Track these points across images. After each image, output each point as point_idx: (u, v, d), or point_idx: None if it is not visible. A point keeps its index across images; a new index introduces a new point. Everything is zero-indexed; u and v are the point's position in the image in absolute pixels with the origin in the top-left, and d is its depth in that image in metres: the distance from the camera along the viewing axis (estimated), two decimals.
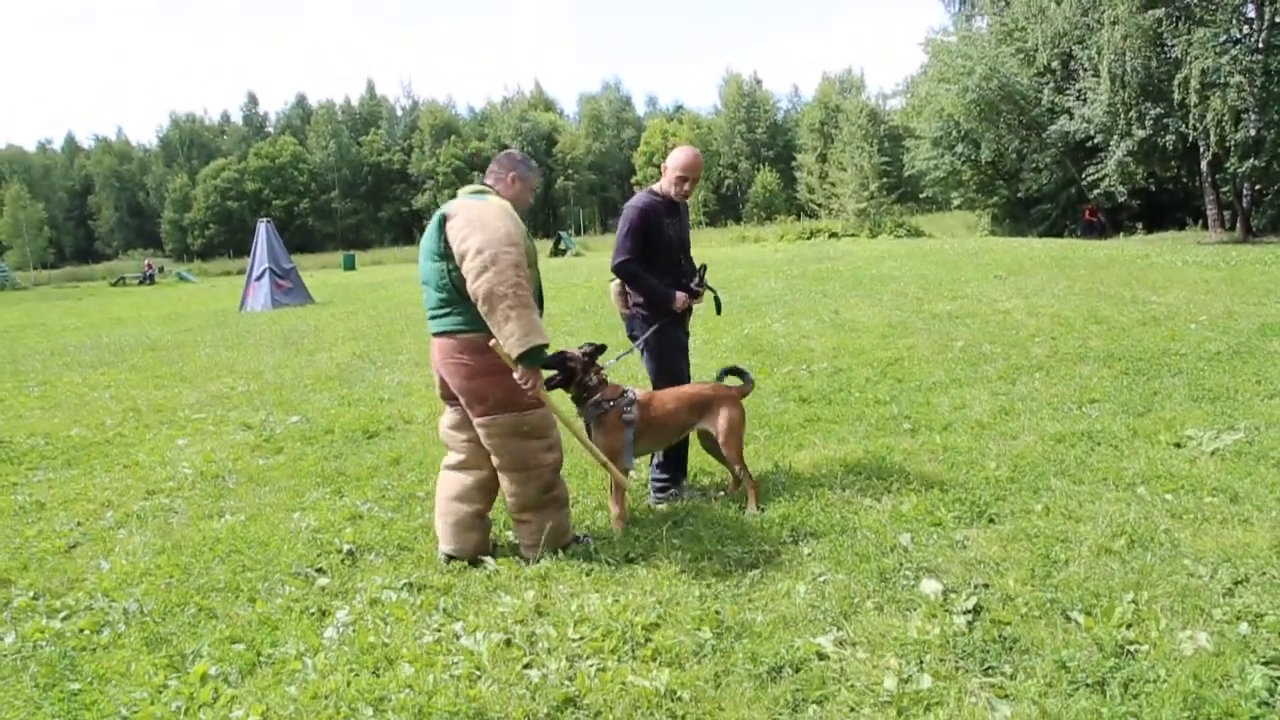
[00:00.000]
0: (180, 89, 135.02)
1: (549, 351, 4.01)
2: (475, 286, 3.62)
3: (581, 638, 3.25)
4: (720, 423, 4.54)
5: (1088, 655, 2.79)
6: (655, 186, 4.85)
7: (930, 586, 3.31)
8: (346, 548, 4.44)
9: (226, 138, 78.39)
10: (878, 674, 2.81)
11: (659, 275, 4.73)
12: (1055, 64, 28.94)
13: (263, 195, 70.13)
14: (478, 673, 3.08)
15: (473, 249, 3.63)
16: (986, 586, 3.33)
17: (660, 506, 4.75)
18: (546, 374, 4.23)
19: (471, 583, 3.90)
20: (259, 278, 21.94)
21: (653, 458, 4.89)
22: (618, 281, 4.83)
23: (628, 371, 7.33)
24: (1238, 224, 25.28)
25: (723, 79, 69.26)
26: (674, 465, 4.92)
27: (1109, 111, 24.24)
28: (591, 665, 3.05)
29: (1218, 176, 25.46)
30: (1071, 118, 27.11)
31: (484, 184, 4.13)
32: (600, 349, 4.53)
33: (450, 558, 4.14)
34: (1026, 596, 3.21)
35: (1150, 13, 22.46)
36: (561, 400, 4.42)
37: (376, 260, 54.89)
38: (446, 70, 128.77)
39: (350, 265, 47.49)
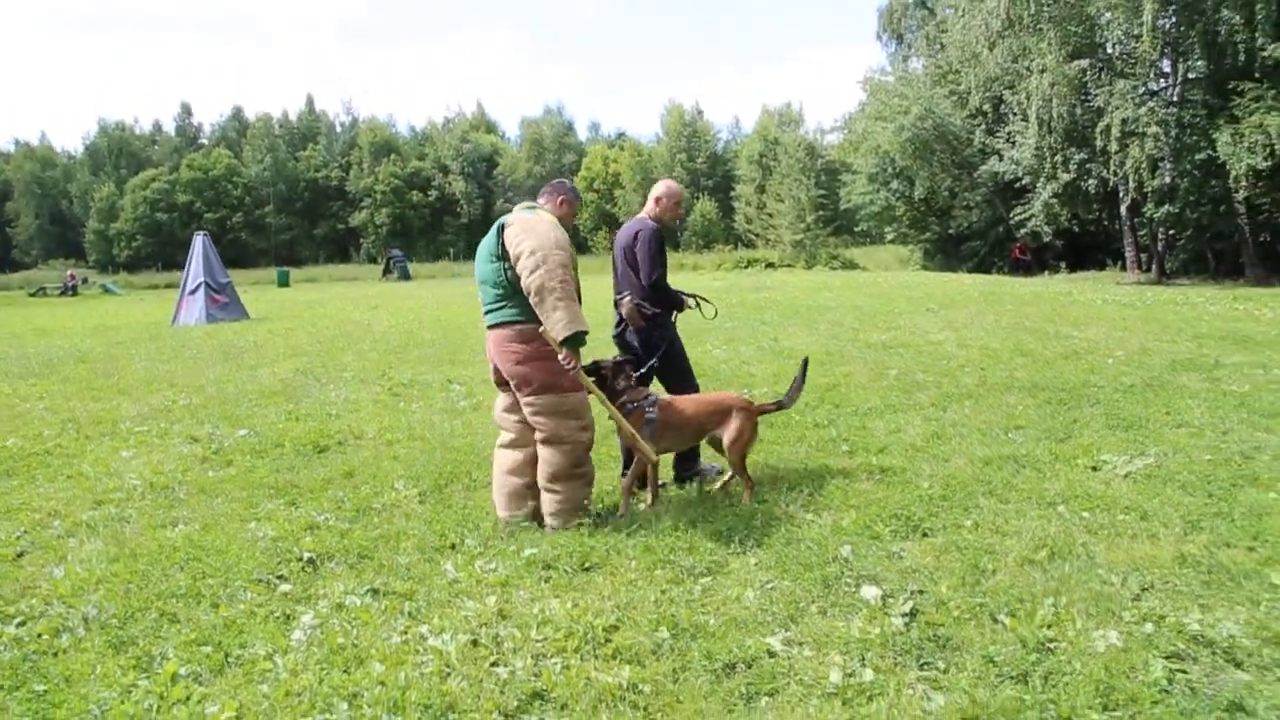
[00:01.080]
0: (110, 96, 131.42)
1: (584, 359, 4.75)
2: (529, 281, 4.33)
3: (545, 638, 3.44)
4: (730, 432, 5.04)
5: (1012, 651, 3.08)
6: (649, 214, 5.54)
7: (870, 592, 3.58)
8: (307, 555, 4.55)
9: (158, 148, 76.39)
10: (824, 669, 3.06)
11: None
12: (987, 107, 30.20)
13: (195, 208, 68.43)
14: (448, 670, 3.24)
15: (527, 250, 4.34)
16: (921, 592, 3.62)
17: (641, 505, 5.18)
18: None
19: (434, 589, 4.05)
20: (193, 291, 21.55)
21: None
22: (629, 299, 5.39)
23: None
24: (1153, 266, 26.62)
25: (665, 108, 70.37)
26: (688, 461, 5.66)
27: (1036, 155, 25.42)
28: (556, 663, 3.24)
29: (1136, 220, 26.82)
30: (1001, 159, 28.34)
31: (536, 203, 4.86)
32: (628, 361, 5.20)
33: (508, 523, 4.77)
34: (958, 601, 3.50)
35: (1075, 63, 23.69)
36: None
37: (311, 277, 54.07)
38: (389, 89, 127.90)
39: (284, 281, 46.75)
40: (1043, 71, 23.80)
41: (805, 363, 5.49)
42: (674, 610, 3.59)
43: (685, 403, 5.16)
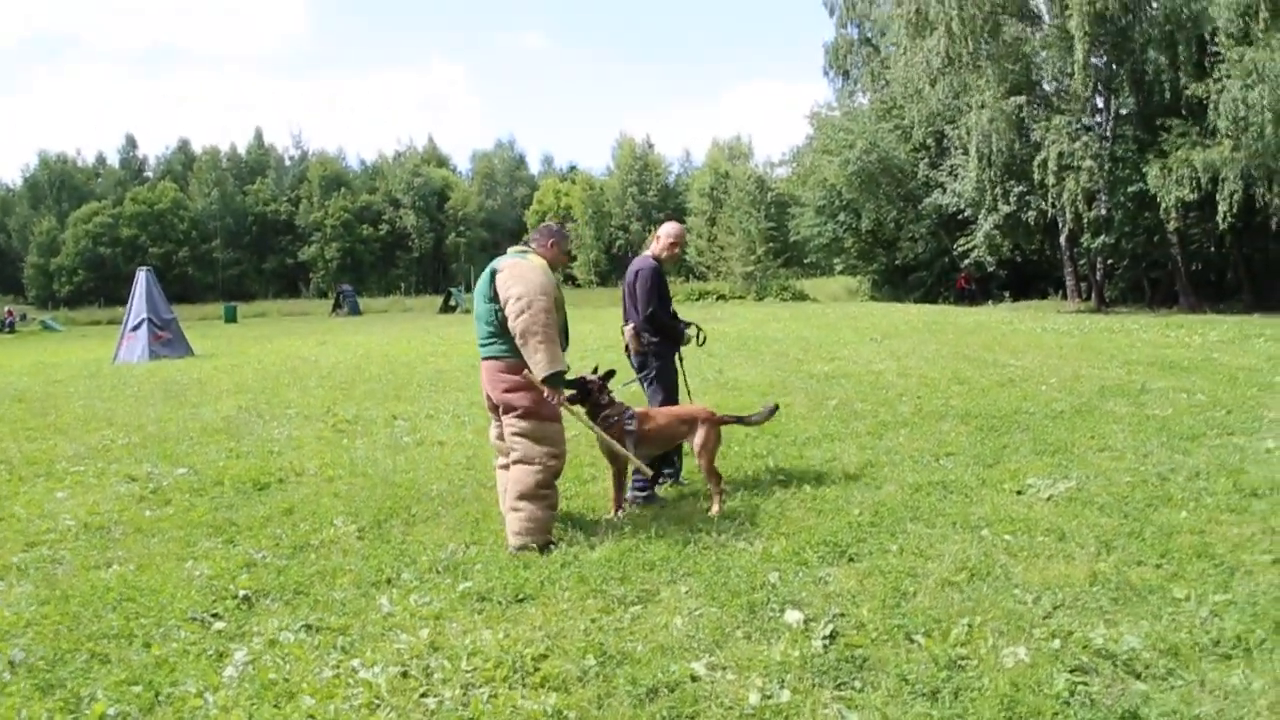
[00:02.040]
0: (51, 129, 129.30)
1: (571, 376, 5.31)
2: (514, 324, 4.83)
3: (474, 668, 3.50)
4: (697, 439, 5.70)
5: (925, 669, 3.22)
6: (652, 253, 6.30)
7: (793, 616, 3.70)
8: (242, 593, 4.54)
9: (101, 181, 75.26)
10: (744, 692, 3.16)
11: (668, 317, 6.27)
12: (930, 141, 31.13)
13: (139, 242, 67.35)
14: (377, 702, 3.29)
15: (514, 295, 4.83)
16: (843, 615, 3.75)
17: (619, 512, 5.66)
18: (567, 393, 5.34)
19: (368, 623, 4.09)
20: (135, 328, 21.20)
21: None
22: (631, 326, 6.23)
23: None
24: (1093, 295, 27.47)
25: (616, 142, 71.14)
26: (656, 472, 5.96)
27: (977, 187, 26.20)
28: (484, 692, 3.31)
29: (1075, 250, 27.70)
30: (944, 192, 29.13)
31: (528, 245, 5.33)
32: (610, 374, 5.67)
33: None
34: (877, 623, 3.64)
35: (1013, 99, 24.53)
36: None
37: (259, 312, 53.41)
38: (337, 122, 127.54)
39: (231, 317, 46.10)
40: (982, 107, 24.62)
41: (775, 407, 6.33)
42: (603, 638, 3.67)
43: (658, 414, 5.81)
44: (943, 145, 30.54)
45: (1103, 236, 24.50)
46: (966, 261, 29.83)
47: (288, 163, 75.82)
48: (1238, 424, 7.42)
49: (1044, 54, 23.50)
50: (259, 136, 77.56)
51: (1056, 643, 3.39)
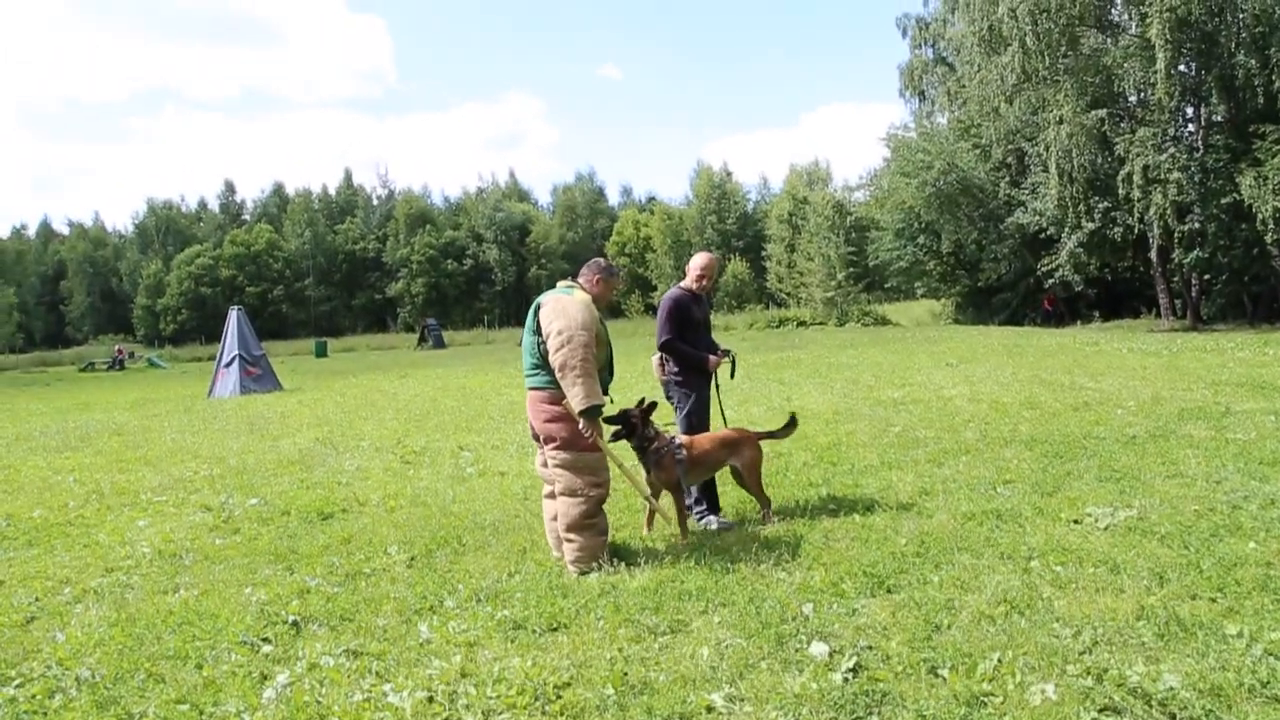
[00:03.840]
0: (157, 176, 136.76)
1: (614, 410, 5.53)
2: (554, 358, 4.99)
3: (499, 695, 3.56)
4: (744, 460, 5.94)
5: (945, 705, 3.14)
6: (683, 283, 6.39)
7: (818, 649, 3.65)
8: (291, 619, 4.72)
9: (203, 224, 79.24)
10: None
11: (692, 345, 6.25)
12: (1010, 159, 30.40)
13: (237, 282, 70.59)
14: None
15: (555, 330, 4.98)
16: (870, 648, 3.68)
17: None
18: (611, 428, 5.56)
19: (406, 649, 4.19)
20: (228, 364, 22.19)
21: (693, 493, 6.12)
22: (659, 355, 6.30)
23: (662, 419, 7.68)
24: (1188, 313, 26.32)
25: (694, 170, 71.40)
26: (706, 497, 6.23)
27: (1059, 205, 25.46)
28: (504, 718, 3.36)
29: (1167, 267, 26.62)
30: (1026, 210, 28.35)
31: (575, 281, 5.46)
32: (653, 406, 5.75)
33: (558, 560, 5.35)
34: (904, 657, 3.56)
35: (1094, 112, 23.82)
36: (622, 450, 5.85)
37: (348, 347, 55.11)
38: (423, 160, 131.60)
39: (322, 352, 47.73)
40: (1060, 122, 23.99)
41: (793, 418, 6.53)
42: (627, 668, 3.69)
43: (703, 440, 5.94)
44: (1024, 163, 29.81)
45: (1196, 251, 23.47)
46: (1051, 281, 28.94)
47: (375, 201, 78.42)
48: None
49: (1126, 65, 22.74)
50: (348, 177, 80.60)
51: (1089, 680, 3.26)
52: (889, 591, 4.40)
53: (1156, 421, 8.59)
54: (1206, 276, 26.15)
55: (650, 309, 59.34)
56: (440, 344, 49.56)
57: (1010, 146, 29.35)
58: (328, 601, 4.99)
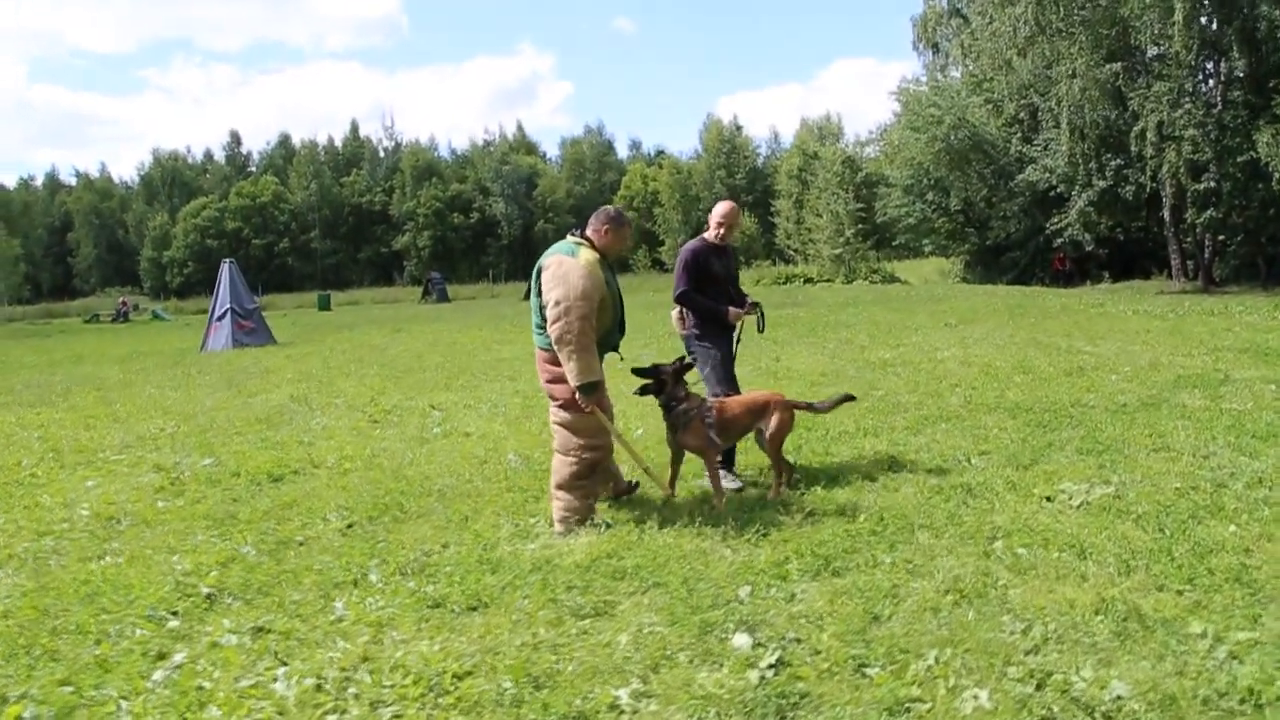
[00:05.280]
0: (165, 127, 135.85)
1: (636, 365, 5.46)
2: (551, 329, 4.83)
3: (393, 685, 3.28)
4: (772, 424, 5.58)
5: (864, 712, 2.83)
6: (704, 234, 6.14)
7: (741, 641, 3.35)
8: (206, 591, 4.46)
9: (209, 176, 78.63)
10: None
11: (712, 299, 5.96)
12: (1023, 114, 29.58)
13: (243, 234, 70.22)
14: (280, 716, 3.11)
15: (554, 300, 4.79)
16: (799, 641, 3.37)
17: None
18: (641, 382, 5.44)
19: (316, 627, 3.93)
20: (220, 318, 21.94)
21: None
22: (678, 308, 6.07)
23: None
24: (1200, 275, 25.68)
25: (703, 124, 70.25)
26: (726, 459, 5.97)
27: (1070, 162, 24.74)
28: (390, 711, 3.09)
29: (1180, 227, 25.91)
30: (1037, 167, 27.61)
31: (582, 235, 5.15)
32: (688, 366, 5.59)
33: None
34: (833, 652, 3.25)
35: (1109, 66, 23.02)
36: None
37: (353, 300, 54.64)
38: (431, 112, 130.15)
39: (325, 305, 47.44)
40: (1073, 76, 23.19)
41: (846, 397, 6.27)
42: (536, 656, 3.41)
43: (732, 403, 5.67)
44: (1036, 119, 28.97)
45: (1210, 211, 22.72)
46: (1059, 240, 28.27)
47: (381, 154, 77.59)
48: None
49: (1143, 16, 21.82)
50: (354, 129, 79.77)
51: (1030, 686, 2.93)
52: (835, 574, 4.08)
53: (1150, 389, 8.21)
54: (1220, 237, 25.42)
55: (658, 264, 58.88)
56: (444, 297, 49.27)
57: (1023, 101, 28.50)
58: (249, 572, 4.72)
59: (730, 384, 6.07)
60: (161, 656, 3.77)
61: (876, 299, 25.42)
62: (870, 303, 23.64)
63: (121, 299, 50.92)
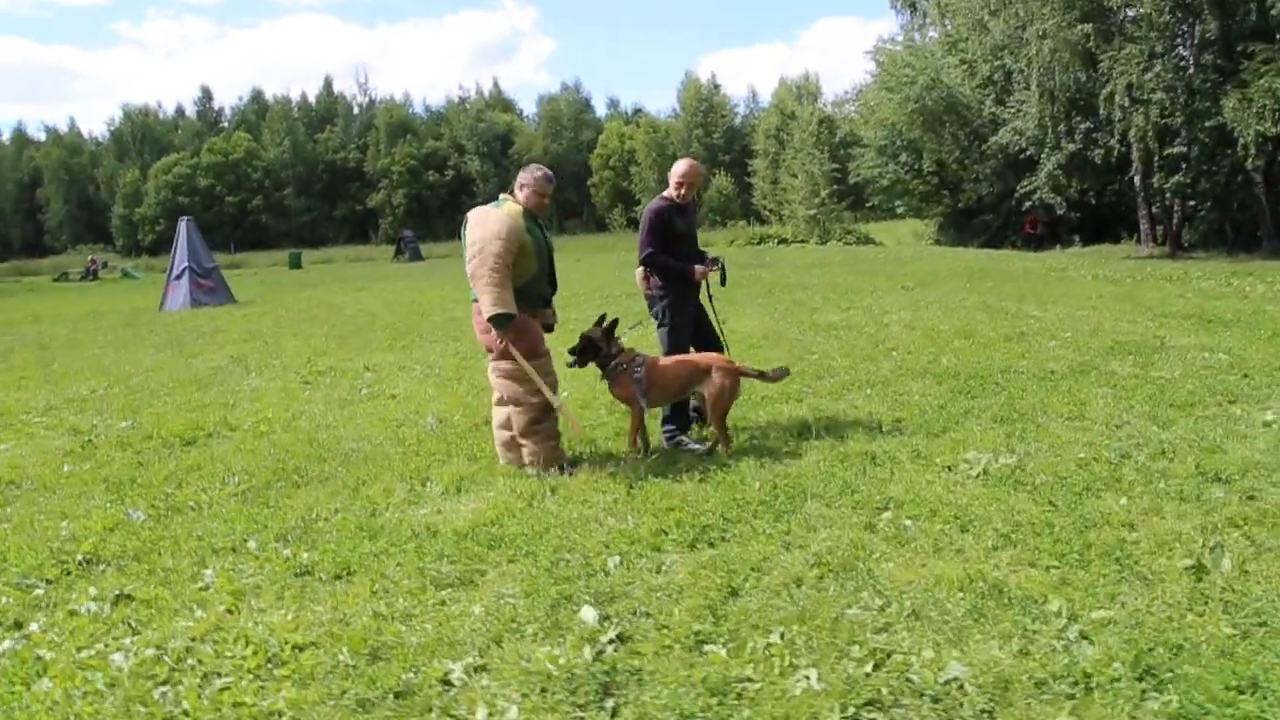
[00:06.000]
0: (136, 81, 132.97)
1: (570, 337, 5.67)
2: (468, 268, 5.03)
3: (234, 655, 3.21)
4: (710, 388, 5.50)
5: (689, 693, 2.76)
6: (664, 193, 6.09)
7: (588, 615, 3.28)
8: (81, 558, 4.36)
9: (181, 132, 76.94)
10: (475, 705, 2.78)
11: (676, 259, 5.96)
12: (998, 76, 29.28)
13: (215, 191, 69.02)
14: (111, 687, 3.06)
15: (470, 241, 5.06)
16: (649, 615, 3.31)
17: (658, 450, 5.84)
18: (571, 357, 5.60)
19: (180, 595, 3.85)
20: (178, 277, 21.61)
21: (662, 413, 5.98)
22: (641, 269, 6.05)
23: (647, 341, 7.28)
24: (1168, 240, 25.65)
25: (681, 83, 69.40)
26: (677, 419, 6.04)
27: (1040, 124, 24.55)
28: (220, 684, 3.02)
29: (1149, 192, 25.82)
30: (1008, 129, 27.41)
31: (506, 195, 5.39)
32: (614, 324, 5.68)
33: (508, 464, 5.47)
34: (680, 627, 3.18)
35: (1080, 27, 22.75)
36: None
37: (327, 259, 53.81)
38: (409, 68, 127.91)
39: (296, 264, 46.72)
40: (1043, 37, 22.91)
41: (786, 371, 6.20)
42: (383, 626, 3.34)
43: (668, 362, 5.70)
44: (1010, 81, 28.69)
45: (1178, 176, 22.62)
46: (1028, 204, 28.13)
47: (356, 110, 76.22)
48: (1249, 390, 6.54)
49: None
50: (328, 85, 78.20)
51: (868, 666, 2.86)
52: (710, 545, 4.01)
53: (1084, 355, 8.16)
54: (1190, 203, 25.37)
55: (633, 223, 58.39)
56: (417, 256, 48.72)
57: (996, 63, 28.21)
58: (131, 538, 4.63)
59: (686, 343, 6.10)
60: (18, 625, 3.71)
61: (844, 260, 25.28)
62: (836, 264, 23.50)
63: (90, 257, 50.00)
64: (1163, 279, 15.87)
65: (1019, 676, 2.78)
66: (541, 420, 5.29)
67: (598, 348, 5.58)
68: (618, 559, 3.85)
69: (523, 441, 5.34)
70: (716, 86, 65.45)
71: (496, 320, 4.94)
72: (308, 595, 3.74)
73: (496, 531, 4.31)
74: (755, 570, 3.66)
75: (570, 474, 5.21)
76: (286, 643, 3.24)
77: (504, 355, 5.20)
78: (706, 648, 3.02)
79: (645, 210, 6.13)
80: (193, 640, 3.38)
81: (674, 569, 3.74)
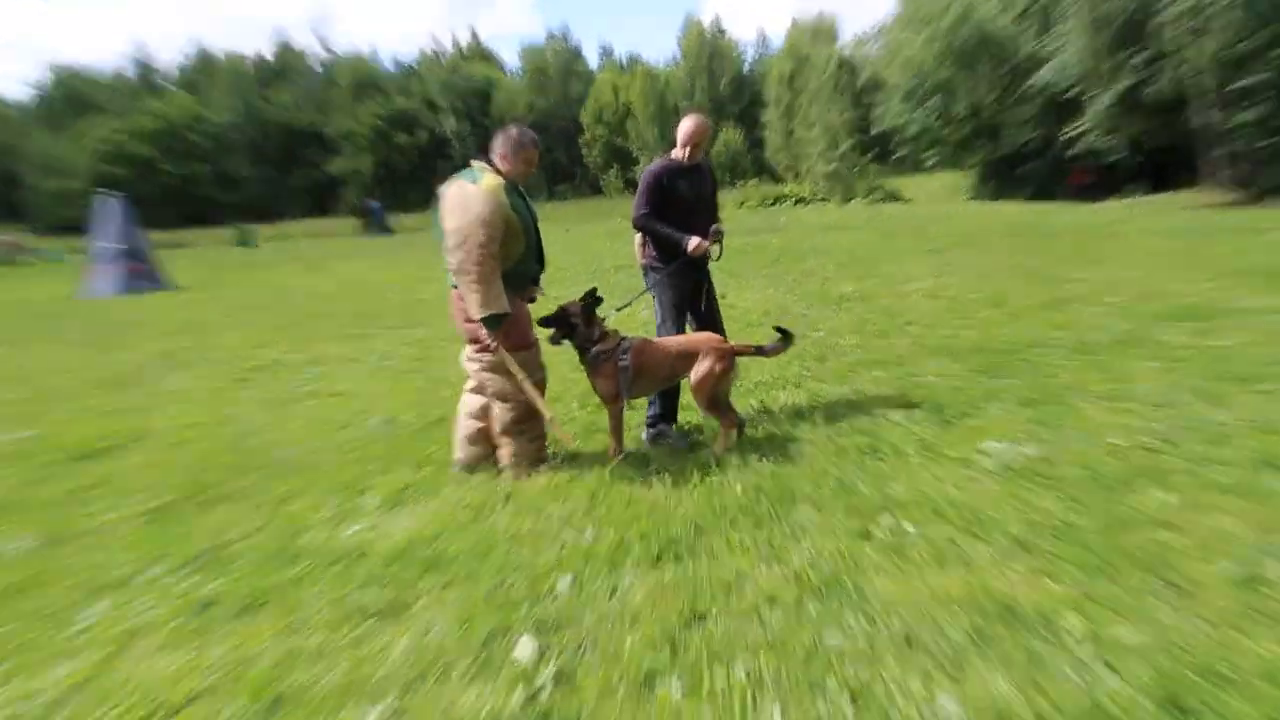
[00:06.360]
0: (61, 38, 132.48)
1: (547, 306, 5.47)
2: (450, 260, 4.87)
3: (113, 705, 3.13)
4: (697, 371, 5.37)
5: None
6: (671, 153, 5.95)
7: (525, 649, 3.19)
8: None
9: (117, 95, 76.51)
10: None
11: (675, 226, 5.81)
12: (1036, 6, 28.94)
13: (154, 161, 68.73)
14: None
15: (451, 228, 4.83)
16: (595, 647, 3.21)
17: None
18: (548, 332, 5.44)
19: (57, 639, 3.75)
20: (109, 260, 21.49)
21: (649, 402, 5.91)
22: (639, 236, 6.02)
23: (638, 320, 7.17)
24: (1246, 184, 25.26)
25: (681, 28, 69.00)
26: (665, 410, 5.93)
27: (1085, 59, 24.24)
28: None
29: (1219, 131, 25.50)
30: (1050, 67, 27.10)
31: (486, 161, 5.15)
32: (598, 300, 5.49)
33: (461, 464, 5.45)
34: (631, 661, 3.09)
35: None
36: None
37: (283, 234, 53.50)
38: (379, 20, 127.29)
39: (245, 242, 46.35)
40: None
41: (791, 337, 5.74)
42: (284, 673, 3.24)
43: (658, 345, 5.56)
44: (1051, 12, 28.32)
45: (1247, 112, 22.38)
46: (1071, 150, 27.80)
47: (319, 69, 75.77)
48: None
49: None
50: (284, 39, 77.81)
51: (844, 701, 2.77)
52: (677, 559, 3.91)
53: (1131, 323, 8.04)
54: (1264, 143, 25.04)
55: (630, 185, 58.20)
56: (385, 228, 48.55)
57: None
58: (8, 571, 4.53)
59: (680, 323, 6.05)
60: None
61: (867, 221, 25.15)
62: (858, 226, 23.37)
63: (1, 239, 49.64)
64: (1231, 231, 15.73)
65: (1022, 712, 2.67)
66: (526, 421, 5.24)
67: (572, 325, 5.43)
68: (569, 579, 3.75)
69: (505, 441, 5.29)
70: (721, 30, 65.04)
71: (487, 322, 4.87)
72: (207, 632, 3.65)
73: (434, 551, 4.21)
74: (725, 590, 3.56)
75: (553, 463, 5.31)
76: (178, 689, 3.16)
77: (499, 346, 5.10)
78: (661, 687, 2.92)
79: (645, 170, 6.01)
80: (67, 690, 3.29)
81: (631, 590, 3.64)
